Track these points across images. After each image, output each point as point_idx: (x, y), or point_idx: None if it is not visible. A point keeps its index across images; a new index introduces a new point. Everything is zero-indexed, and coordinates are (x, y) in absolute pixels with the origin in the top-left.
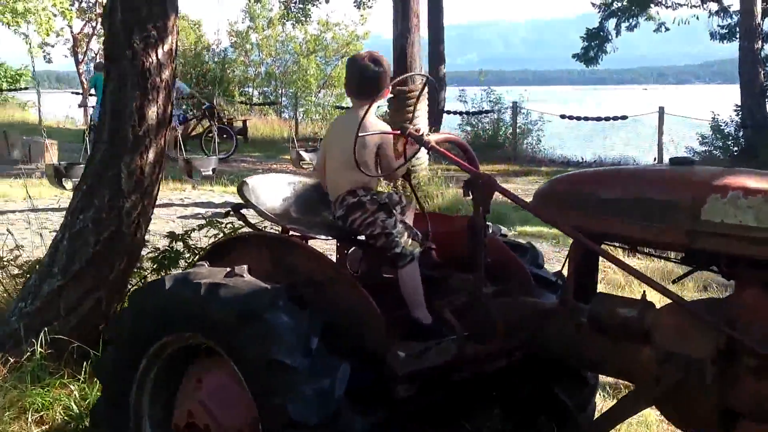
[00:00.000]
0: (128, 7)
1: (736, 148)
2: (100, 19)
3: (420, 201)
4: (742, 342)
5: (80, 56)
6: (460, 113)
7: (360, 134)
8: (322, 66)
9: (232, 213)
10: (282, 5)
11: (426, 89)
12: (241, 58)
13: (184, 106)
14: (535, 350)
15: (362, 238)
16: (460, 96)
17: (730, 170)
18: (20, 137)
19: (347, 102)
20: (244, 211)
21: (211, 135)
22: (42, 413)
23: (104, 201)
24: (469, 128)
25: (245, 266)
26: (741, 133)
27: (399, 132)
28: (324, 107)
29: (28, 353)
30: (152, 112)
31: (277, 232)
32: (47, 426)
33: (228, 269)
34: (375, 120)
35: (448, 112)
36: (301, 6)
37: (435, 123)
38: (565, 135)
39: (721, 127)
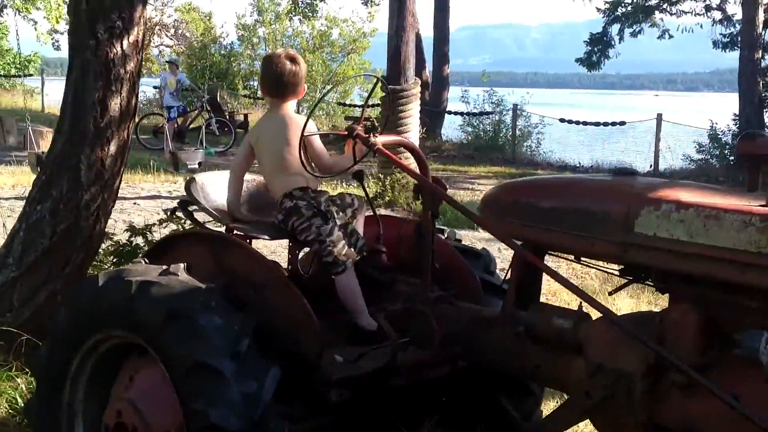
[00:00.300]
0: None
1: (732, 157)
2: None
3: (372, 203)
4: (669, 358)
5: None
6: (461, 114)
7: (306, 134)
8: (327, 62)
9: (178, 210)
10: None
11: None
12: (247, 52)
13: (187, 98)
14: (474, 359)
15: None
16: (462, 97)
17: (669, 182)
18: (16, 124)
19: (352, 99)
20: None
21: (211, 128)
22: None
23: (62, 192)
24: (470, 129)
25: (182, 265)
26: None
27: (347, 133)
28: (328, 104)
29: None
30: (115, 104)
31: (221, 231)
32: None
33: (163, 267)
34: (300, 118)
35: (450, 113)
36: (308, 1)
37: (435, 123)
38: (567, 139)
39: (719, 136)
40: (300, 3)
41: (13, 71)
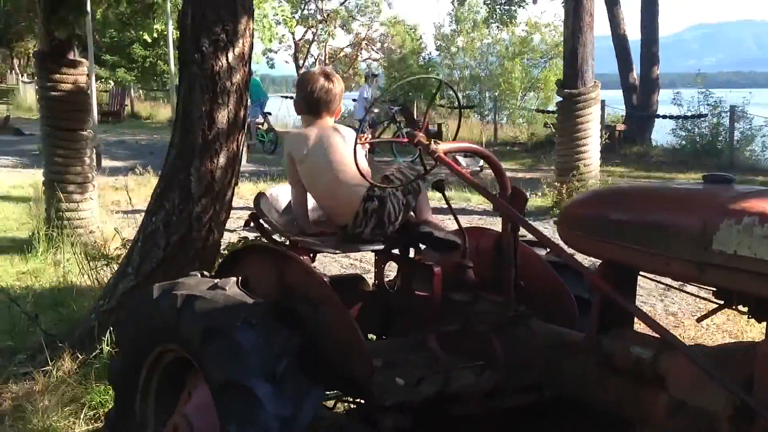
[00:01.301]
0: (198, 11)
1: None
2: (320, 26)
3: (454, 213)
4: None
5: (301, 61)
6: (674, 117)
7: (369, 141)
8: (528, 68)
9: (251, 223)
10: (487, 7)
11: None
12: (446, 62)
13: (376, 110)
14: (553, 387)
15: (396, 252)
16: (674, 99)
17: (760, 191)
18: None
19: (553, 105)
20: None
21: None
22: (96, 411)
23: (174, 204)
24: (683, 133)
25: (233, 279)
26: None
27: (407, 140)
28: (528, 110)
29: (98, 351)
30: (222, 117)
31: (282, 246)
32: (99, 424)
33: (214, 281)
34: (344, 128)
35: (660, 116)
36: (506, 8)
37: (643, 127)
38: None
39: None
40: (498, 10)
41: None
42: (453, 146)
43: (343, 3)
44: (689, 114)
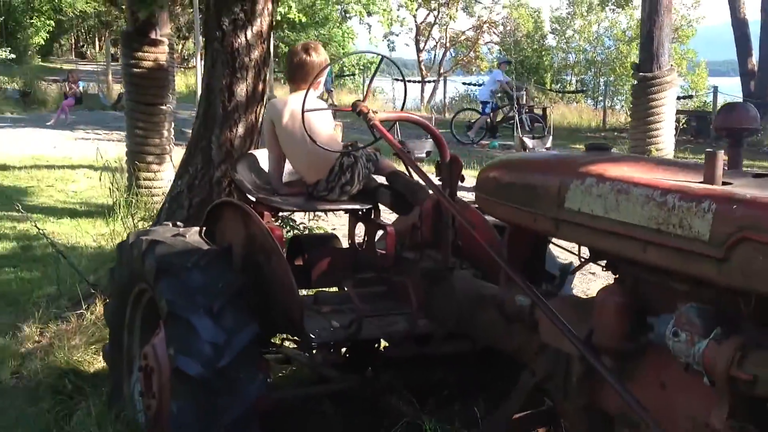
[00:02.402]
0: None
1: None
2: (442, 9)
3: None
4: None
5: (421, 44)
6: None
7: (307, 110)
8: None
9: (233, 183)
10: None
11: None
12: (560, 45)
13: (499, 94)
14: (469, 335)
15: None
16: None
17: (612, 155)
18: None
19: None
20: None
21: (512, 122)
22: None
23: (197, 169)
24: None
25: (196, 228)
26: None
27: (350, 108)
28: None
29: None
30: (241, 90)
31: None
32: None
33: (178, 229)
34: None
35: None
36: None
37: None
38: None
39: None
40: None
41: (356, 72)
42: (389, 115)
43: None
44: None
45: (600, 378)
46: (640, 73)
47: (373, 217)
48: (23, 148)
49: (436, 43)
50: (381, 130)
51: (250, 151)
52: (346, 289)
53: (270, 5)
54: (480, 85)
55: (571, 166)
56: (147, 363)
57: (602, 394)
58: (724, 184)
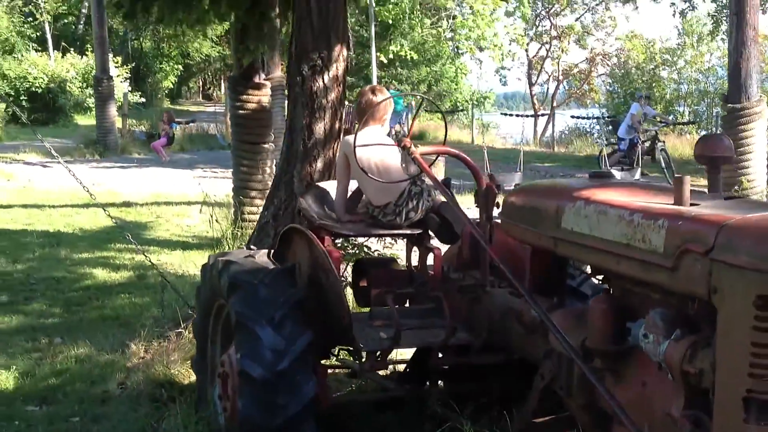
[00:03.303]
0: (299, 40)
1: None
2: (554, 42)
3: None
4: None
5: (533, 78)
6: None
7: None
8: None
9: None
10: (712, 20)
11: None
12: (671, 76)
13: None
14: (504, 348)
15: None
16: None
17: (605, 182)
18: None
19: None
20: None
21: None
22: None
23: (281, 200)
24: None
25: (265, 250)
26: None
27: (396, 144)
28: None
29: None
30: (319, 128)
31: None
32: None
33: (251, 252)
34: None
35: None
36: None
37: None
38: None
39: None
40: (724, 22)
41: (469, 107)
42: (428, 149)
43: (578, 19)
44: None
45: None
46: (729, 105)
47: (424, 242)
48: (147, 186)
49: (549, 76)
50: (420, 163)
51: (317, 183)
52: (388, 305)
53: (345, 52)
54: (588, 118)
55: (568, 191)
56: (224, 369)
57: (599, 393)
58: (692, 205)
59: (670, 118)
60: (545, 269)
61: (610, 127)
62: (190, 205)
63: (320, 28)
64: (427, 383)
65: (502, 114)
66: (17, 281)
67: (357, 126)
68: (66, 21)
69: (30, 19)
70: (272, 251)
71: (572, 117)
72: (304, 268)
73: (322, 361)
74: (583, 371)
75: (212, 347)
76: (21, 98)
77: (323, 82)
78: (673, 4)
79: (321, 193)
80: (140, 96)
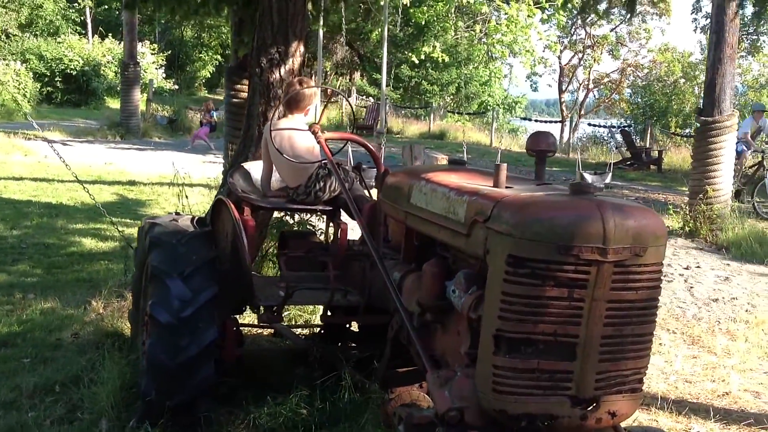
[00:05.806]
0: (260, 35)
1: None
2: (587, 51)
3: (369, 190)
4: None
5: (564, 85)
6: None
7: (274, 129)
8: None
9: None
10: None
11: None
12: (693, 90)
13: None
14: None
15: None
16: None
17: (453, 167)
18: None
19: None
20: None
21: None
22: None
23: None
24: None
25: (189, 216)
26: None
27: (309, 129)
28: None
29: None
30: (273, 116)
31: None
32: None
33: (175, 216)
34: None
35: None
36: (754, 37)
37: None
38: None
39: None
40: (744, 40)
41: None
42: (334, 135)
43: (614, 29)
44: None
45: (431, 330)
46: (702, 118)
47: (335, 217)
48: (157, 167)
49: (580, 84)
50: (323, 146)
51: (242, 164)
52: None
53: (302, 48)
54: (603, 126)
55: (420, 173)
56: (146, 318)
57: (430, 342)
58: (507, 187)
59: None
60: (408, 239)
61: (620, 137)
62: (192, 187)
63: (279, 24)
64: (339, 344)
65: (521, 119)
66: (9, 245)
67: (279, 113)
68: (107, 7)
69: (75, 3)
70: (195, 218)
71: (589, 125)
72: (221, 234)
73: (237, 318)
74: (419, 324)
75: (143, 300)
76: (56, 79)
77: (280, 74)
78: (695, 20)
79: (249, 172)
80: (173, 83)
